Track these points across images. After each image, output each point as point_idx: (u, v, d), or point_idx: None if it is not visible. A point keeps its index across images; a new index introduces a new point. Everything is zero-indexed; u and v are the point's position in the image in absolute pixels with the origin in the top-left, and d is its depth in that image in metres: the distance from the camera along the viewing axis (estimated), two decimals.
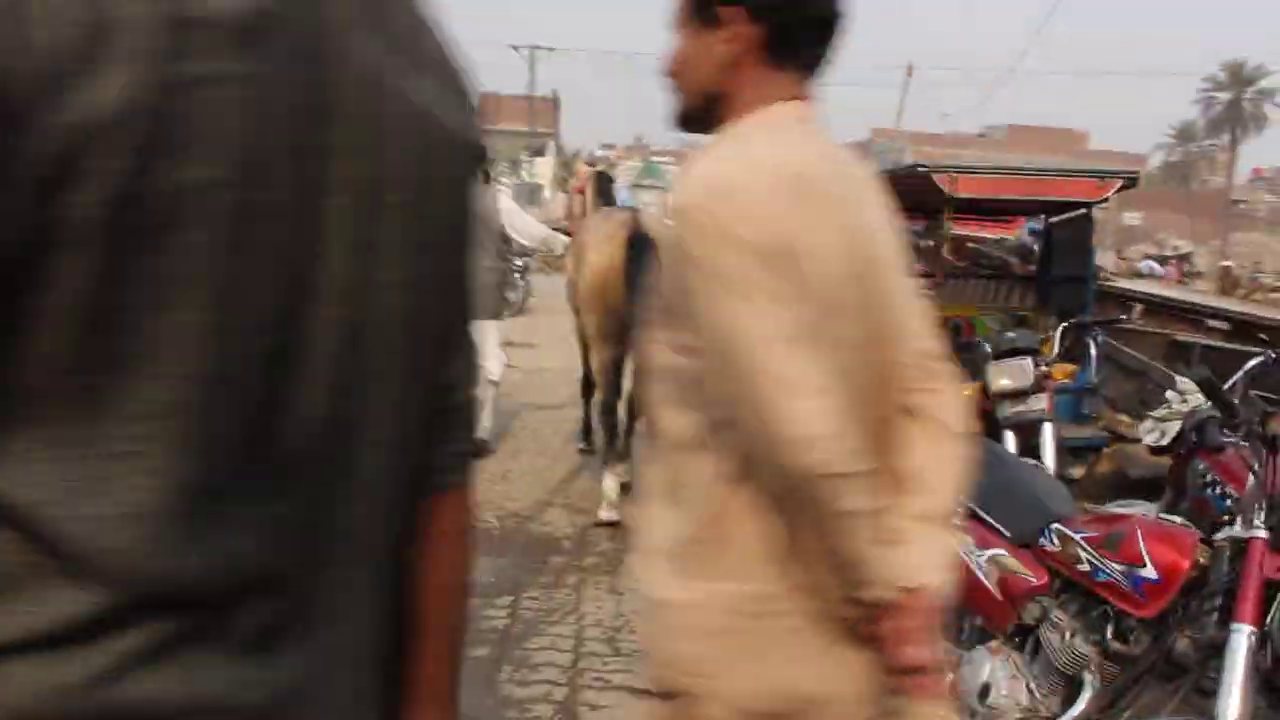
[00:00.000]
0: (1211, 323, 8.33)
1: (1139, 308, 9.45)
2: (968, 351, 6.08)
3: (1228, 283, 23.65)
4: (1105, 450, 6.42)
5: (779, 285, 1.43)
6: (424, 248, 0.94)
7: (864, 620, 1.54)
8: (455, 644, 1.12)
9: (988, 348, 5.47)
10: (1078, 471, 6.03)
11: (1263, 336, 7.27)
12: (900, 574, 1.54)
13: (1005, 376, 5.25)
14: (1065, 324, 5.73)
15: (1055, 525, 3.22)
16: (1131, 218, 47.21)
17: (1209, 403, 3.83)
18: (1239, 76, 63.23)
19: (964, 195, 5.73)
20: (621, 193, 10.23)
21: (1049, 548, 3.19)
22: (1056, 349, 5.37)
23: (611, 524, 5.86)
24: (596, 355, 6.29)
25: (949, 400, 1.71)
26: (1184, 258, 32.73)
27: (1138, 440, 6.97)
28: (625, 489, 5.93)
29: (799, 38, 1.59)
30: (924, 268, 12.99)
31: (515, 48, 50.21)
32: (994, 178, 6.01)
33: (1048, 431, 5.19)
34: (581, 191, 7.44)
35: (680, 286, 1.51)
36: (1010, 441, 5.23)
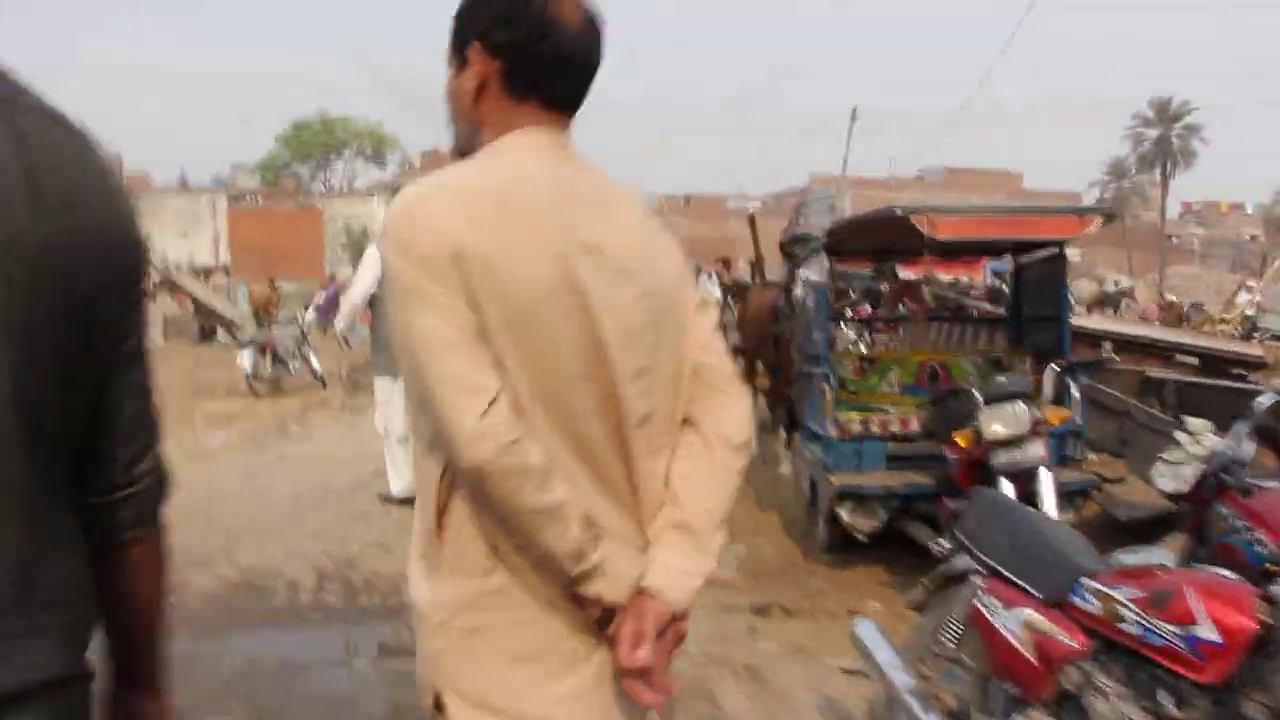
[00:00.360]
0: (1181, 358, 8.32)
1: (1107, 345, 9.42)
2: (953, 398, 5.93)
3: (1171, 316, 23.95)
4: (1092, 494, 6.30)
5: (449, 294, 1.57)
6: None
7: (601, 619, 1.68)
8: (149, 639, 1.53)
9: (976, 394, 5.32)
10: (1069, 518, 5.88)
11: (1238, 371, 7.26)
12: (636, 577, 1.69)
13: (999, 422, 5.10)
14: (1058, 367, 5.60)
15: (1088, 582, 3.04)
16: (1071, 254, 47.91)
17: (1228, 444, 3.69)
18: (1166, 113, 64.80)
19: (944, 238, 5.61)
20: None
21: (1085, 607, 3.00)
22: (1047, 392, 5.23)
23: None
24: None
25: (728, 412, 1.85)
26: (1125, 293, 33.18)
27: (1121, 481, 6.87)
28: None
29: (536, 73, 1.75)
30: (880, 311, 12.93)
31: None
32: (973, 219, 5.91)
33: (1046, 479, 5.05)
34: None
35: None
36: (1007, 489, 5.07)
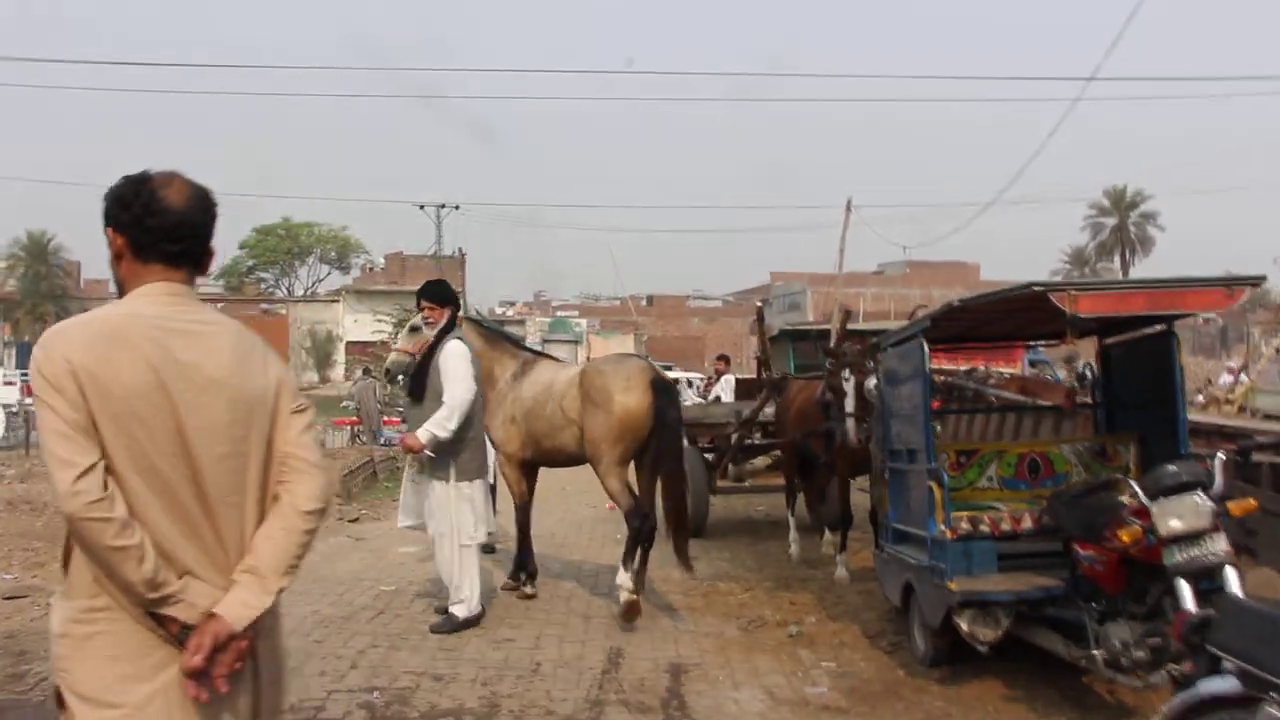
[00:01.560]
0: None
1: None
2: (1100, 492, 5.32)
3: None
4: None
5: (61, 400, 2.27)
6: None
7: (179, 634, 2.34)
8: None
9: (1134, 485, 4.70)
10: None
11: None
12: (206, 606, 2.36)
13: (1175, 517, 4.46)
14: (1238, 452, 4.98)
15: None
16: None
17: None
18: (1121, 202, 65.89)
19: (1085, 314, 5.03)
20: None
21: None
22: (1220, 481, 4.61)
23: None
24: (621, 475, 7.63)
25: (303, 487, 2.54)
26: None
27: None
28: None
29: (150, 242, 2.46)
30: (954, 402, 12.27)
31: (422, 206, 49.99)
32: (1115, 293, 5.33)
33: (1233, 578, 4.39)
34: None
35: None
36: (1186, 592, 4.43)
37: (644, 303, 71.05)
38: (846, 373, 8.10)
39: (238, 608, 2.37)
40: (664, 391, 7.74)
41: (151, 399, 2.32)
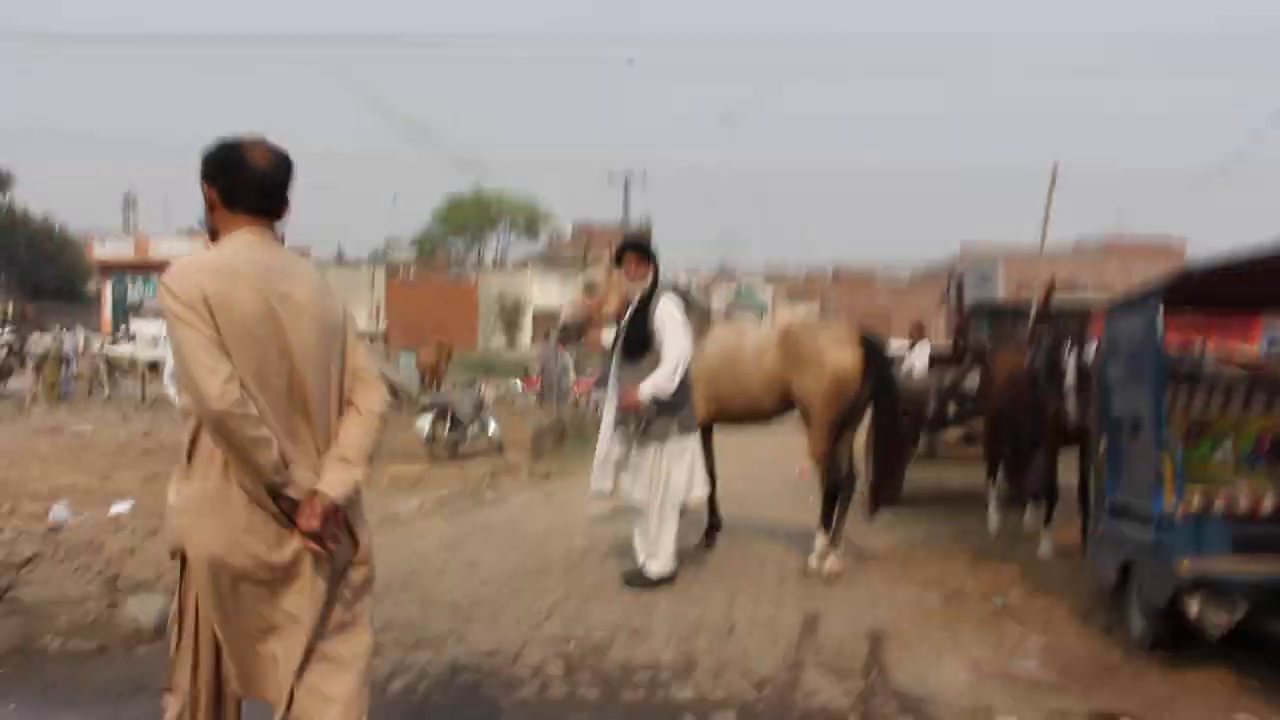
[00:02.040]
0: None
1: None
2: None
3: None
4: None
5: (200, 319, 2.81)
6: None
7: (288, 508, 2.92)
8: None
9: None
10: None
11: None
12: (309, 484, 2.94)
13: None
14: None
15: None
16: None
17: None
18: None
19: None
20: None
21: None
22: None
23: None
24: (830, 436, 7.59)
25: (371, 395, 3.16)
26: None
27: None
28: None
29: (239, 195, 3.04)
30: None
31: (610, 175, 50.38)
32: None
33: None
34: None
35: None
36: None
37: (829, 273, 69.97)
38: (1068, 344, 7.69)
39: (336, 485, 2.97)
40: (876, 349, 7.74)
41: (263, 323, 2.88)
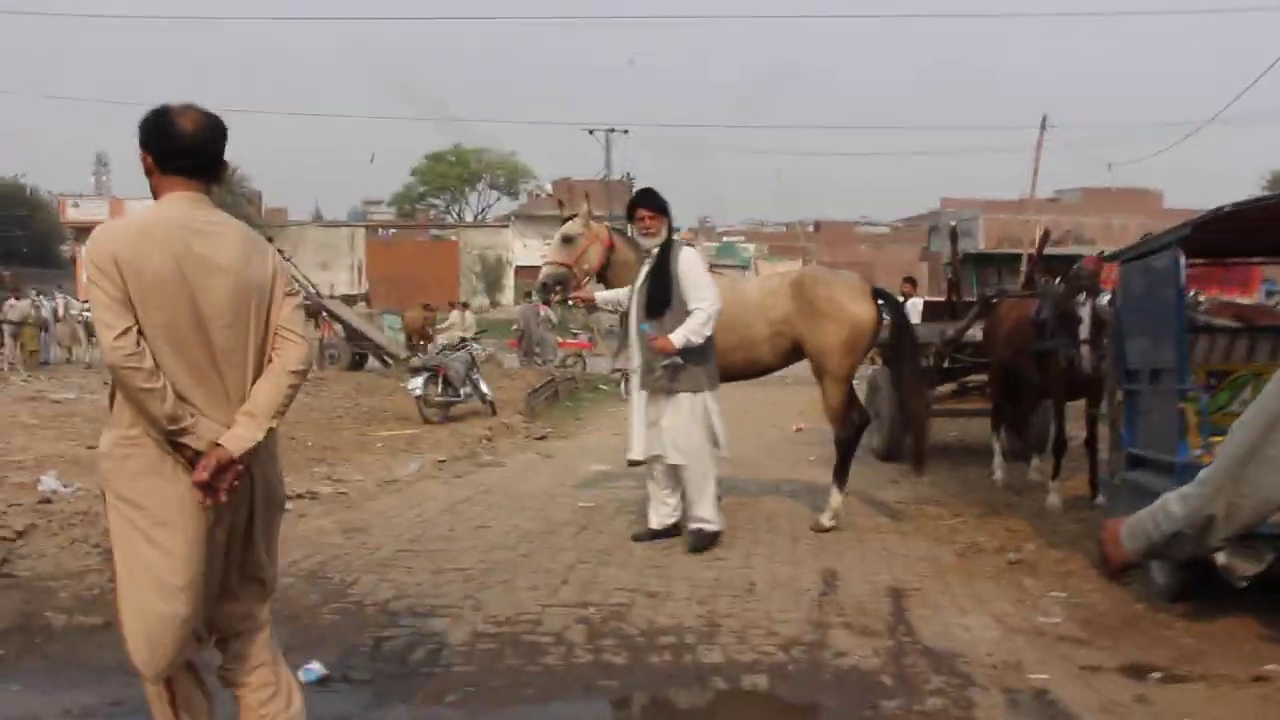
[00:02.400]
0: None
1: None
2: None
3: None
4: None
5: (106, 281, 2.99)
6: None
7: (191, 456, 3.08)
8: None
9: None
10: None
11: None
12: (212, 438, 3.07)
13: None
14: None
15: None
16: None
17: None
18: None
19: None
20: None
21: None
22: None
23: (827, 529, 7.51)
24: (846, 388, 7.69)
25: (291, 353, 3.25)
26: None
27: None
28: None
29: (169, 159, 3.19)
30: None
31: (591, 131, 49.92)
32: None
33: None
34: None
35: None
36: None
37: (810, 229, 69.75)
38: (1082, 296, 7.57)
39: (236, 440, 3.09)
40: (887, 298, 7.85)
41: (171, 282, 3.04)
